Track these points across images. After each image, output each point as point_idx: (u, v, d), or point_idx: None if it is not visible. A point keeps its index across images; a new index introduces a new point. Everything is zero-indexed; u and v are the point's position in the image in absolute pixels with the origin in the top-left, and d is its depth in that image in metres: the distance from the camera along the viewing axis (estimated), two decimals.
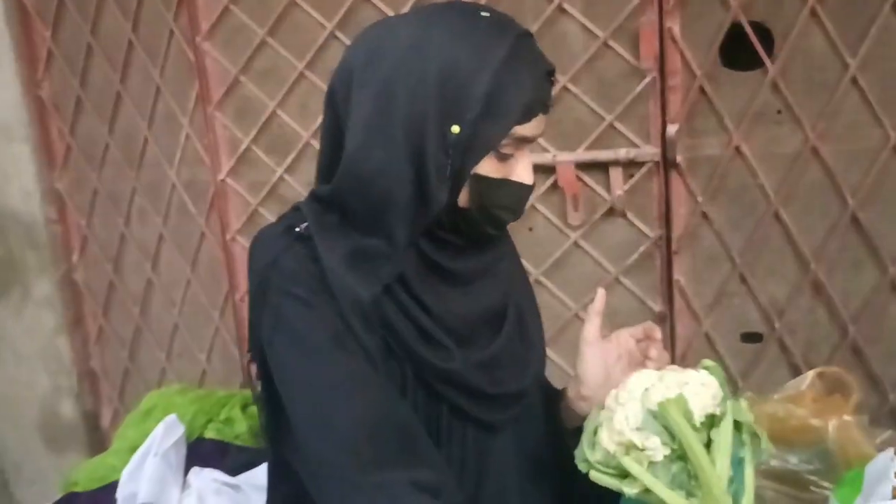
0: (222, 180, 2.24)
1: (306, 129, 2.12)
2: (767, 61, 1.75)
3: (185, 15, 2.15)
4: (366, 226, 0.94)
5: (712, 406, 0.85)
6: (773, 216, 1.82)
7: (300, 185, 2.16)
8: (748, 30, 1.74)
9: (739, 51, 1.80)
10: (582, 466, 0.88)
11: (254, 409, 1.82)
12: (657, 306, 1.95)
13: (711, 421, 0.84)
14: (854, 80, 1.71)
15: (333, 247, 0.93)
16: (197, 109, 2.22)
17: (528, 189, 0.96)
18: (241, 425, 1.80)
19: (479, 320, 1.02)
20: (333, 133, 0.96)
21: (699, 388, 0.85)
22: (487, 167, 0.91)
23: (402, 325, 0.95)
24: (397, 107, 0.88)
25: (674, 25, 1.79)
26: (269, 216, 2.20)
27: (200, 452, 1.72)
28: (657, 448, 0.82)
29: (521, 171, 0.94)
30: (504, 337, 1.03)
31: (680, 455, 0.83)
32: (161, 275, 2.44)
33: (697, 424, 0.82)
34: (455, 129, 0.87)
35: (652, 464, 0.83)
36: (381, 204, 0.92)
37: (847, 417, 1.43)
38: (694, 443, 0.81)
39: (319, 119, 2.09)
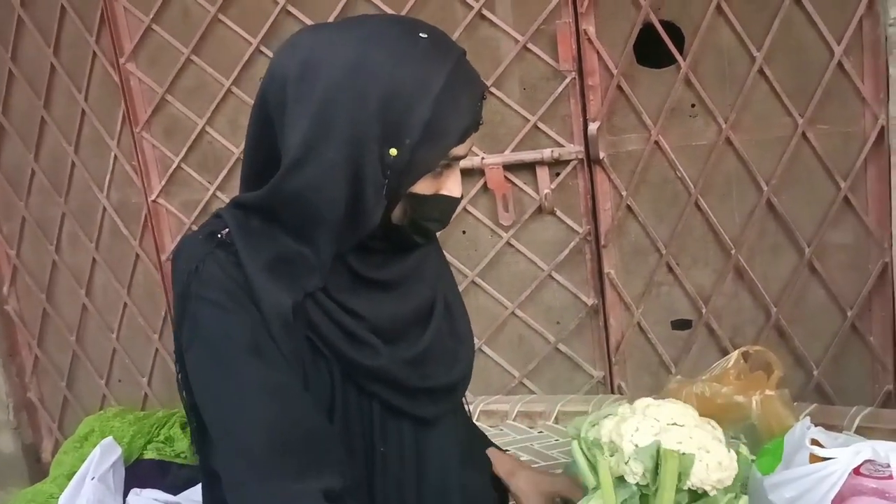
0: (154, 201, 2.22)
1: (236, 146, 2.12)
2: (679, 58, 1.81)
3: (107, 36, 2.14)
4: (294, 234, 0.94)
5: (710, 485, 0.83)
6: (695, 206, 1.88)
7: None
8: (659, 28, 1.80)
9: (654, 49, 1.86)
10: (570, 432, 0.90)
11: None
12: (590, 299, 2.00)
13: (697, 496, 0.83)
14: (761, 72, 1.78)
15: (257, 252, 0.93)
16: (124, 131, 2.21)
17: (457, 201, 0.98)
18: (181, 443, 1.79)
19: (410, 319, 1.03)
20: (264, 141, 0.95)
21: (714, 464, 0.83)
22: (421, 185, 0.93)
23: (326, 327, 0.96)
24: (336, 128, 0.88)
25: (589, 27, 1.85)
26: None
27: (140, 473, 1.70)
28: (637, 474, 0.83)
29: (451, 184, 0.96)
30: (432, 332, 1.04)
31: (645, 494, 0.83)
32: (96, 300, 2.41)
33: (684, 488, 0.82)
34: (393, 151, 0.88)
35: (620, 478, 0.84)
36: (312, 218, 0.93)
37: (769, 392, 1.48)
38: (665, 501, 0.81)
39: None
